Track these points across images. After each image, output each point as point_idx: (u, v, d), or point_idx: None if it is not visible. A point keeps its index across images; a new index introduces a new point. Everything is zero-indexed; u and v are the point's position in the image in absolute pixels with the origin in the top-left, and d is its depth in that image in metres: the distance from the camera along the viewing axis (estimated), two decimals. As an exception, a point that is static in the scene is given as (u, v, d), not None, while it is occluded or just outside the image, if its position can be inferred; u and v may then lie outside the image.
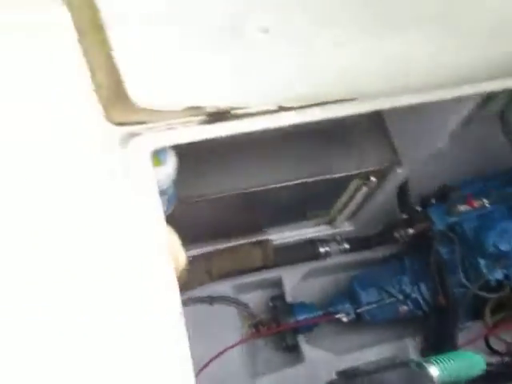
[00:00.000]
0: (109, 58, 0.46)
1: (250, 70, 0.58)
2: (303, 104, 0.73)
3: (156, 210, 0.57)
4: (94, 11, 0.42)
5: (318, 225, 1.48)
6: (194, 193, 1.03)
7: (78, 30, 0.45)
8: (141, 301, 0.52)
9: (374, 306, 1.42)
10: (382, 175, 1.19)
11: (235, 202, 1.14)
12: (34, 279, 0.50)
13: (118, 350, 0.51)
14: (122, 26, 0.44)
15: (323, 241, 1.48)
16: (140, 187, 0.58)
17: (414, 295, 1.40)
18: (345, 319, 1.43)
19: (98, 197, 0.57)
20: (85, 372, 0.50)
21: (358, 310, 1.43)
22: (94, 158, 0.58)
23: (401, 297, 1.41)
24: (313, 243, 1.48)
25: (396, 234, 1.42)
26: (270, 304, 1.52)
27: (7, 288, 0.49)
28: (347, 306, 1.45)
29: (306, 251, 1.48)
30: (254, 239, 1.39)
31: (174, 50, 0.53)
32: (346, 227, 1.50)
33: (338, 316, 1.43)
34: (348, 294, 1.47)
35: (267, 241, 1.40)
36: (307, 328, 1.46)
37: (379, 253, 1.54)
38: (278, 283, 1.52)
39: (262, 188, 1.08)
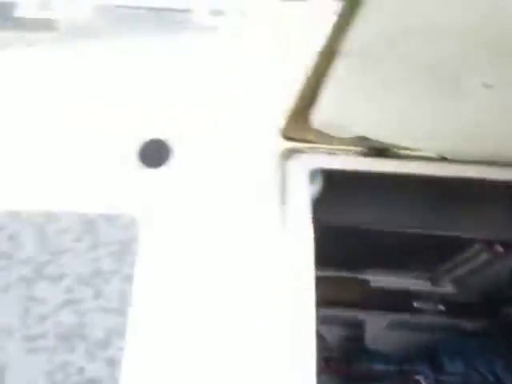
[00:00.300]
0: (321, 77, 0.48)
1: (435, 117, 0.57)
2: (464, 159, 0.71)
3: (307, 222, 0.58)
4: (343, 38, 0.43)
5: (419, 278, 1.42)
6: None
7: (325, 47, 0.47)
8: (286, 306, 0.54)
9: (458, 377, 1.33)
10: (508, 247, 1.11)
11: (350, 235, 1.12)
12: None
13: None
14: (347, 58, 0.46)
15: (420, 296, 1.41)
16: (295, 201, 0.60)
17: (506, 381, 1.29)
18: (423, 383, 1.36)
19: (254, 201, 0.59)
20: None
21: (440, 378, 1.35)
22: (257, 159, 0.61)
23: (491, 378, 1.31)
24: (409, 295, 1.42)
25: (503, 311, 1.32)
26: (346, 343, 1.48)
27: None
28: (427, 369, 1.37)
29: (399, 301, 1.42)
30: (353, 275, 1.36)
31: (371, 88, 0.54)
32: (447, 288, 1.42)
33: (417, 377, 1.36)
34: (430, 357, 1.39)
35: (366, 281, 1.36)
36: (380, 378, 1.40)
37: (475, 324, 1.44)
38: (360, 325, 1.47)
39: (384, 229, 1.05)
